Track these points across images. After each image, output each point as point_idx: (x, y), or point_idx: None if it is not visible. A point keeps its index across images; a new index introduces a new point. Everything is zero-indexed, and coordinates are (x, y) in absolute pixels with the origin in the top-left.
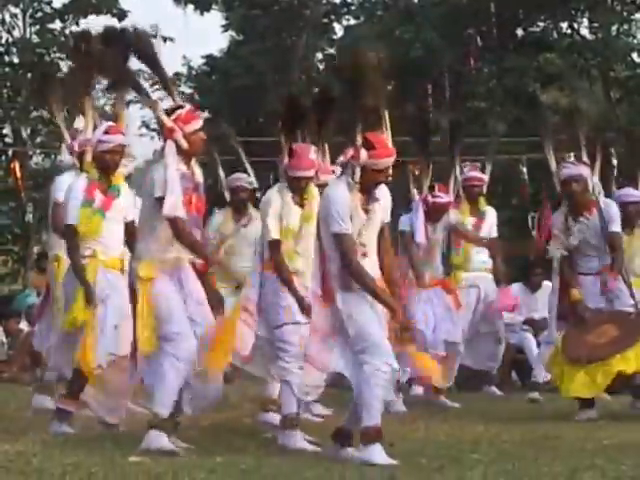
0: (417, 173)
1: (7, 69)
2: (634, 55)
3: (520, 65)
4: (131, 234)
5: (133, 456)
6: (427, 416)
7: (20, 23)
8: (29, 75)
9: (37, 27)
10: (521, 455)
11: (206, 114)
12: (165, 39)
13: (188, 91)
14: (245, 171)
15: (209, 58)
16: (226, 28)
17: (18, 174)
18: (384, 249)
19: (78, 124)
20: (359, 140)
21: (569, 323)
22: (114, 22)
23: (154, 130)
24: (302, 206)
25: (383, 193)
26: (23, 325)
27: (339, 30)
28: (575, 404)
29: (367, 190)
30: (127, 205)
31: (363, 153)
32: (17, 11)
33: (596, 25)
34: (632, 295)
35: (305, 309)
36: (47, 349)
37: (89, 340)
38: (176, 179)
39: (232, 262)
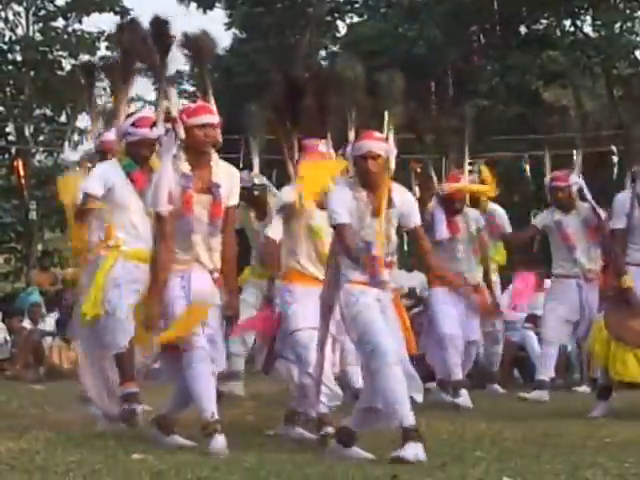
0: (419, 170)
1: (10, 67)
2: (637, 53)
3: (523, 63)
4: None
5: (136, 453)
6: (429, 414)
7: (23, 21)
8: (32, 73)
9: (40, 25)
10: (523, 453)
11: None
12: None
13: (190, 89)
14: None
15: None
16: (229, 26)
17: (21, 172)
18: (424, 250)
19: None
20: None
21: (612, 306)
22: (117, 20)
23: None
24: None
25: (403, 197)
26: (26, 323)
27: (342, 28)
28: (578, 401)
29: (369, 186)
30: None
31: (349, 147)
32: (20, 9)
33: (599, 23)
34: None
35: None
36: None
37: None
38: (166, 173)
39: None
